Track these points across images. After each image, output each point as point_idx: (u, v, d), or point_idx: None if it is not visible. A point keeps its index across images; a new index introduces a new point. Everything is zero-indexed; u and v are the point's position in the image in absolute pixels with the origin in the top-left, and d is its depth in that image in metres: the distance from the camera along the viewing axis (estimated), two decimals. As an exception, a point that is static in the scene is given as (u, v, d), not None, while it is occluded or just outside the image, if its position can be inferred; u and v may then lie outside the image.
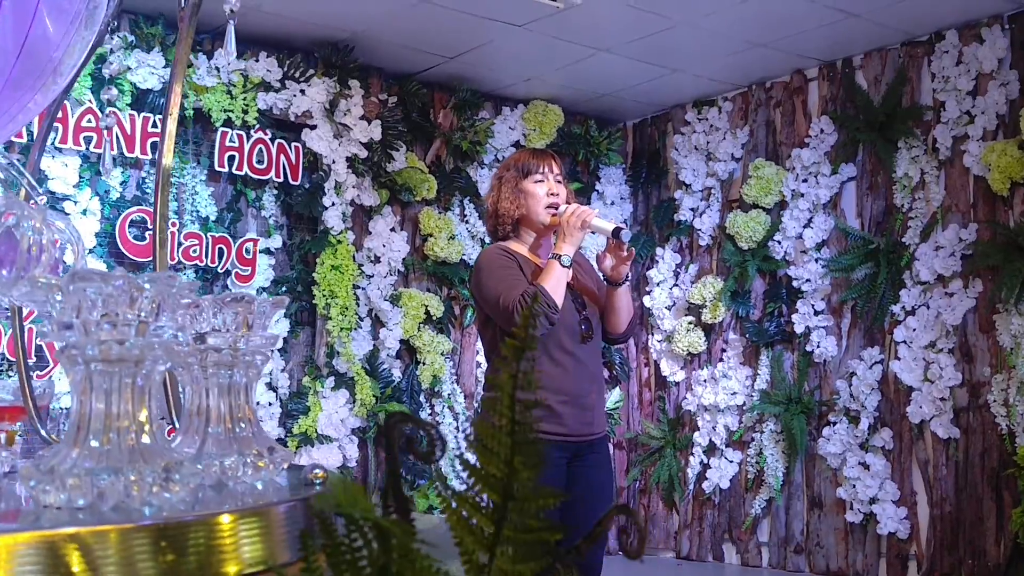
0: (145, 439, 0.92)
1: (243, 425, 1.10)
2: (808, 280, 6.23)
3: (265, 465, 1.09)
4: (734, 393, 6.52)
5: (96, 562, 0.85)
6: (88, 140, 5.32)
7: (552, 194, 3.28)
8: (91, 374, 0.90)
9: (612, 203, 7.20)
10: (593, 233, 3.35)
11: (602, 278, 3.39)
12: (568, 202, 3.29)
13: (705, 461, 6.66)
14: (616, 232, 3.23)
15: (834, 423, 6.05)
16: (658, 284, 6.97)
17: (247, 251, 5.80)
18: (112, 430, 0.90)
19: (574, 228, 3.17)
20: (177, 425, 1.32)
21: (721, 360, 6.66)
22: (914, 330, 5.74)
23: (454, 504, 0.90)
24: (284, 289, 5.94)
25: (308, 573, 0.71)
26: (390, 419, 0.68)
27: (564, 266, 3.15)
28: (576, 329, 3.24)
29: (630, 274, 3.39)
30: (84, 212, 5.31)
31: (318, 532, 0.72)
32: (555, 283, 3.12)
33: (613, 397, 7.09)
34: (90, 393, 0.90)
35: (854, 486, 5.91)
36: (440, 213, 6.48)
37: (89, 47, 1.22)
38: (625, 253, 3.26)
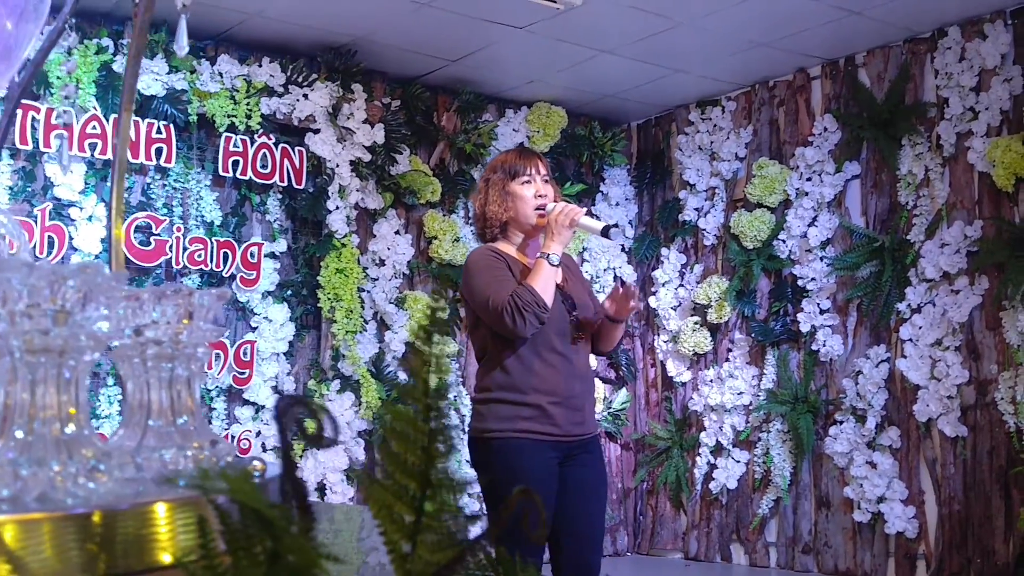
0: (71, 430, 0.93)
1: (185, 418, 1.11)
2: (813, 279, 6.21)
3: (206, 458, 1.10)
4: (740, 393, 6.51)
5: (18, 551, 0.86)
6: (93, 147, 5.35)
7: (540, 195, 3.26)
8: (16, 364, 0.91)
9: (617, 204, 7.20)
10: (588, 232, 3.34)
11: (603, 313, 3.36)
12: (555, 201, 3.27)
13: (712, 461, 6.64)
14: (605, 231, 3.22)
15: (841, 422, 6.02)
16: (663, 284, 6.96)
17: (252, 255, 5.83)
18: (37, 420, 0.91)
19: (562, 227, 3.16)
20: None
21: (727, 360, 6.64)
22: (920, 328, 5.72)
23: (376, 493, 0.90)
24: (289, 293, 5.96)
25: (204, 555, 0.71)
26: (280, 402, 0.69)
27: (553, 265, 3.13)
28: (567, 330, 3.23)
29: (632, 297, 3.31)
30: (90, 218, 5.35)
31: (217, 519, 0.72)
32: (544, 282, 3.10)
33: (620, 398, 7.09)
34: (16, 384, 0.91)
35: (861, 485, 5.88)
36: (444, 215, 6.49)
37: (33, 40, 1.23)
38: (632, 304, 3.25)
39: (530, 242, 3.30)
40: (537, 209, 3.24)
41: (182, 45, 1.42)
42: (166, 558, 0.97)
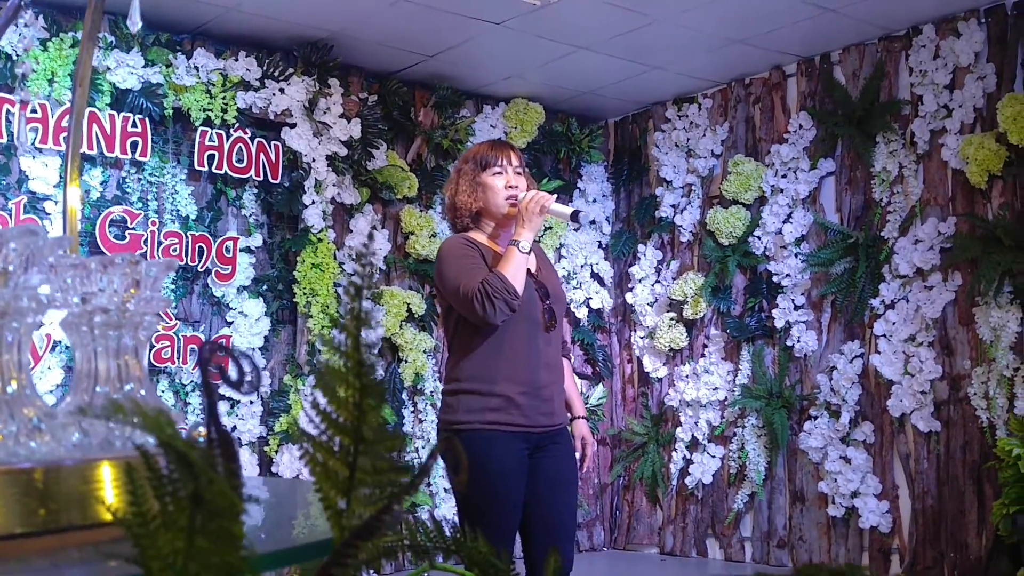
0: (13, 389, 0.93)
1: (131, 386, 1.11)
2: (788, 275, 6.24)
3: (154, 425, 1.10)
4: (716, 388, 6.53)
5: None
6: (68, 140, 5.33)
7: (511, 186, 3.27)
8: (-44, 326, 0.92)
9: (594, 200, 7.22)
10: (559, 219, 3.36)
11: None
12: (528, 190, 3.28)
13: (688, 456, 6.67)
14: (575, 215, 3.24)
15: (815, 417, 6.05)
16: (640, 280, 6.99)
17: (227, 250, 5.81)
18: (-23, 380, 0.92)
19: (533, 214, 3.17)
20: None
21: (703, 355, 6.67)
22: (894, 324, 5.75)
23: (312, 451, 0.92)
24: (265, 287, 5.95)
25: (134, 501, 0.72)
26: (203, 349, 0.69)
27: (523, 252, 3.14)
28: (539, 318, 3.24)
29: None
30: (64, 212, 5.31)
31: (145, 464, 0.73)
32: (515, 269, 3.11)
33: (596, 393, 7.11)
34: (-43, 345, 0.92)
35: (836, 480, 5.91)
36: (421, 211, 6.49)
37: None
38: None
39: (502, 232, 3.31)
40: (509, 199, 3.25)
41: (135, 21, 1.43)
42: (107, 513, 0.98)
